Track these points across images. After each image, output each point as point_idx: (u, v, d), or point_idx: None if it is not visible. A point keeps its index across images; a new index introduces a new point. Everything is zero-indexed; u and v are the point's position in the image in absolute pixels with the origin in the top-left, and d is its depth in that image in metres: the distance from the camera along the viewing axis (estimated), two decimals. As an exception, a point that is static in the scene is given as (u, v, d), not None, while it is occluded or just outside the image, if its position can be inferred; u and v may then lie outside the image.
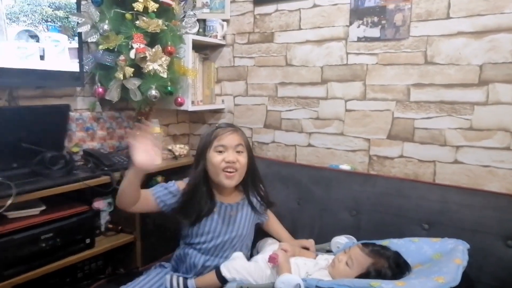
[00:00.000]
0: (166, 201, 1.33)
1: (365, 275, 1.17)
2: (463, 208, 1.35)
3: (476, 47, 1.51)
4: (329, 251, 1.46)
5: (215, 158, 1.29)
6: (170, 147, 2.01)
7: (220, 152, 1.30)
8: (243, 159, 1.33)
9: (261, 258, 1.33)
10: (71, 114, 1.72)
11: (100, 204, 1.64)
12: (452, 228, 1.33)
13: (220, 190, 1.37)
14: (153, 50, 1.66)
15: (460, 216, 1.34)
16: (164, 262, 1.46)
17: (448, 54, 1.57)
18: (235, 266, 1.26)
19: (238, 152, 1.32)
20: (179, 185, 1.36)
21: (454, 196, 1.39)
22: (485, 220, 1.29)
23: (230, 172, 1.30)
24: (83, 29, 1.65)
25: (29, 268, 1.33)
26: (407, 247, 1.27)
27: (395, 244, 1.30)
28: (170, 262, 1.43)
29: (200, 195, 1.32)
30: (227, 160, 1.29)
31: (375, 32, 1.71)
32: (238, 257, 1.31)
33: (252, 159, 1.38)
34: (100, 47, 1.66)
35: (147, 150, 1.11)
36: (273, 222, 1.56)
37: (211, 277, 1.27)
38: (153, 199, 1.31)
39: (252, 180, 1.41)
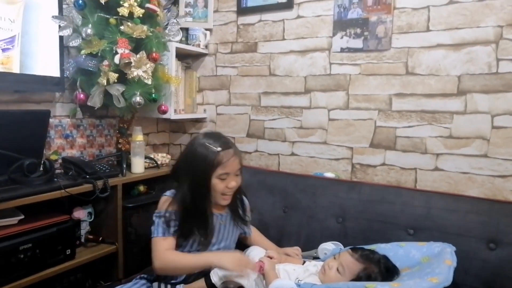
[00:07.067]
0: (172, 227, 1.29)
1: (356, 280, 1.18)
2: (447, 213, 1.39)
3: (454, 58, 1.58)
4: (316, 258, 1.46)
5: (218, 185, 1.26)
6: (152, 156, 1.97)
7: (224, 179, 1.26)
8: (240, 180, 1.32)
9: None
10: (50, 120, 1.65)
11: (80, 213, 1.58)
12: (437, 232, 1.36)
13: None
14: (138, 56, 1.64)
15: (444, 221, 1.38)
16: (146, 274, 1.41)
17: (428, 65, 1.63)
18: (225, 273, 1.24)
19: (237, 175, 1.30)
20: (167, 205, 1.30)
21: (438, 201, 1.43)
22: (468, 224, 1.34)
23: (228, 194, 1.30)
24: (64, 33, 1.61)
25: (7, 281, 1.25)
26: (395, 251, 1.29)
27: (382, 248, 1.32)
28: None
29: (205, 213, 1.29)
30: (229, 186, 1.27)
31: (358, 43, 1.76)
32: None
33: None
34: (83, 51, 1.62)
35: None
36: (256, 236, 1.56)
37: (200, 284, 1.25)
38: (173, 241, 1.29)
39: (237, 193, 1.39)
